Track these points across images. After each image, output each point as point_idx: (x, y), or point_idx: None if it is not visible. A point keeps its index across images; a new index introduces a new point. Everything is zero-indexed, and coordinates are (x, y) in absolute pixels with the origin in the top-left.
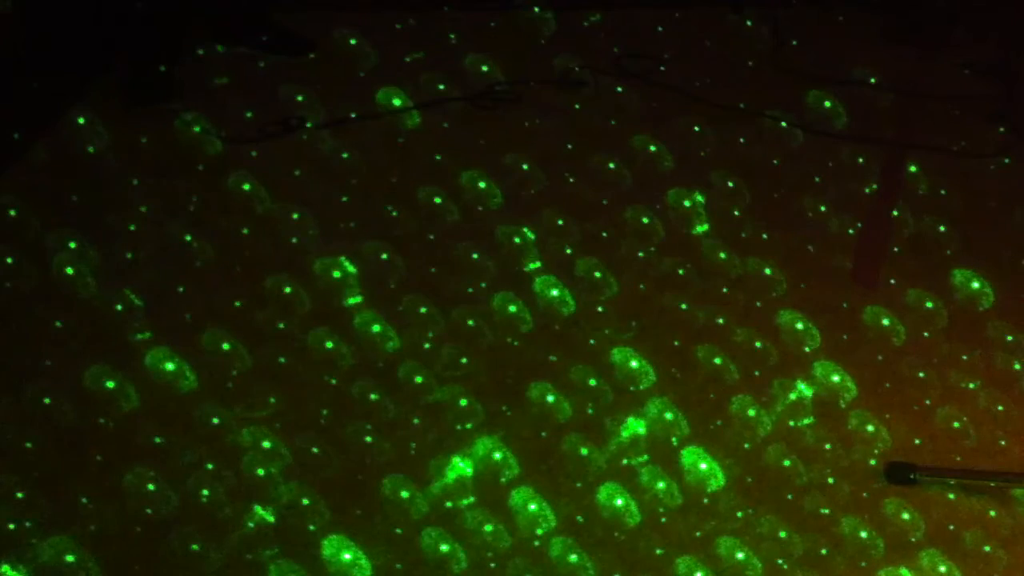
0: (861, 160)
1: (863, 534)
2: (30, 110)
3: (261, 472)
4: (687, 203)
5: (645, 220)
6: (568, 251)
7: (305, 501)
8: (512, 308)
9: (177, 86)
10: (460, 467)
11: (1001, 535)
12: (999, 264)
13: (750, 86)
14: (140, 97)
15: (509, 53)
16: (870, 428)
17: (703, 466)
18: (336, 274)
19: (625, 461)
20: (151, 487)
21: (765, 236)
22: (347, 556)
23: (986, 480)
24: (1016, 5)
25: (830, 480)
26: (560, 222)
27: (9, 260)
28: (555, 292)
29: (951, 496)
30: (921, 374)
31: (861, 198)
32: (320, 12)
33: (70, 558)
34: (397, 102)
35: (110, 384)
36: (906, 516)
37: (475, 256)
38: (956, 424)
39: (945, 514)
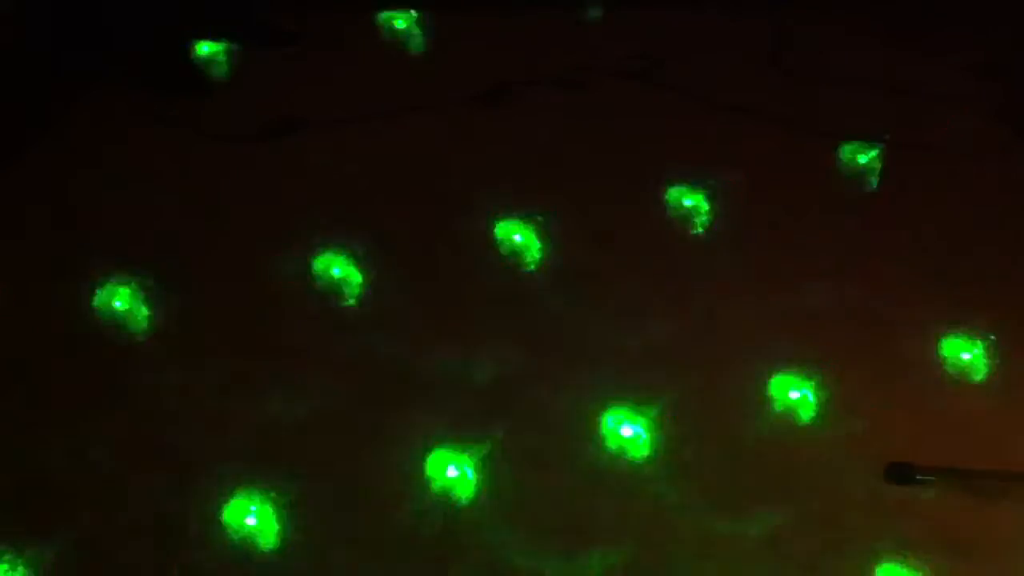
0: (863, 160)
1: (862, 534)
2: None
3: None
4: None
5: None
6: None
7: None
8: None
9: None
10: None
11: (1001, 535)
12: (999, 264)
13: (750, 86)
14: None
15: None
16: (870, 427)
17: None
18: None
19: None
20: None
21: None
22: None
23: (986, 480)
24: (1016, 5)
25: (829, 479)
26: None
27: None
28: None
29: (951, 496)
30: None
31: (861, 196)
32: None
33: None
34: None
35: None
36: (905, 516)
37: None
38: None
39: (945, 514)
